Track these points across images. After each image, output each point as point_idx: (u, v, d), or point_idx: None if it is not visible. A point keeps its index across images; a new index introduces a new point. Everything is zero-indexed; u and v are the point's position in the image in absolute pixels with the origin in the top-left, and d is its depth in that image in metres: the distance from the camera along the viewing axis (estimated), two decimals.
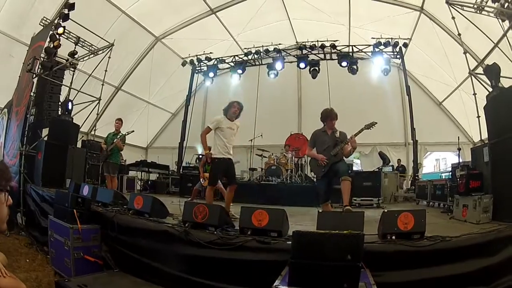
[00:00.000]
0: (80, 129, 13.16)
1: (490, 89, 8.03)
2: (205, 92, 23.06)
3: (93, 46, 13.91)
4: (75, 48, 13.41)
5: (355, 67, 16.15)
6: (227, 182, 8.32)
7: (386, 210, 5.16)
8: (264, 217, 5.10)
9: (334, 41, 16.13)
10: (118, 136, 10.84)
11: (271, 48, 17.08)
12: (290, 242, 4.12)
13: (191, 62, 18.52)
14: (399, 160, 18.66)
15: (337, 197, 7.48)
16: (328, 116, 7.34)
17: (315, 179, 8.60)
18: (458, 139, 11.80)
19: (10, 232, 9.31)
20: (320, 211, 6.36)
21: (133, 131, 11.32)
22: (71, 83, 13.50)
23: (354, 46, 16.35)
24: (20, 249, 8.03)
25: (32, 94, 11.77)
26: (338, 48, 16.27)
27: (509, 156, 6.40)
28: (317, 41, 16.30)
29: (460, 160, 11.18)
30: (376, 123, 7.07)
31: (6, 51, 13.95)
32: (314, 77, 16.88)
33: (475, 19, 9.92)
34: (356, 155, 20.57)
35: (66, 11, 11.95)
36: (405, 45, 15.43)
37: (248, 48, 17.43)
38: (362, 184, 11.94)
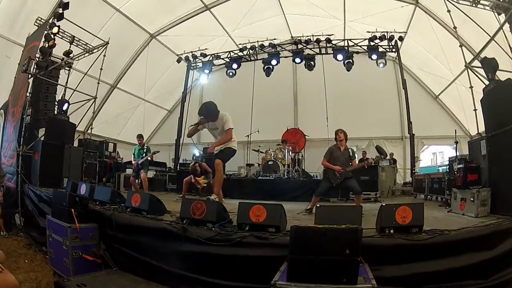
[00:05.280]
0: (77, 128, 13.11)
1: (487, 82, 8.03)
2: (201, 89, 23.07)
3: (88, 45, 13.86)
4: (70, 47, 13.34)
5: (350, 61, 16.14)
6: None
7: (384, 204, 5.14)
8: (262, 213, 5.09)
9: (330, 35, 16.09)
10: (146, 150, 12.41)
11: (266, 44, 17.10)
12: (288, 237, 4.11)
13: (186, 58, 18.48)
14: (391, 154, 18.69)
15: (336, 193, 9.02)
16: (337, 132, 8.85)
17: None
18: (455, 133, 11.79)
19: (9, 233, 9.33)
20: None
21: (158, 151, 13.04)
22: (67, 82, 13.42)
23: (350, 40, 16.33)
24: (19, 250, 8.01)
25: (28, 94, 11.73)
26: (334, 42, 16.23)
27: (507, 149, 6.41)
28: (312, 35, 16.30)
29: (457, 154, 11.19)
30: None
31: (1, 52, 13.91)
32: (310, 69, 16.87)
33: (471, 12, 9.90)
34: (353, 150, 20.63)
35: (60, 10, 11.89)
36: (401, 38, 15.43)
37: (243, 44, 17.42)
38: (360, 178, 11.93)
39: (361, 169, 9.19)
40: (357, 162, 8.88)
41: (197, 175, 10.87)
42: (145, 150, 12.35)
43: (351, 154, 8.73)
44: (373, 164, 9.84)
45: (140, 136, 12.76)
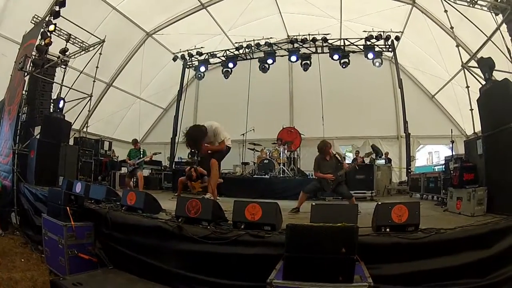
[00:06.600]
0: (72, 126, 13.08)
1: (483, 82, 8.03)
2: (197, 87, 23.04)
3: (84, 43, 13.83)
4: (66, 45, 13.31)
5: (346, 60, 16.17)
6: None
7: (380, 203, 5.14)
8: (257, 211, 5.09)
9: (326, 34, 16.11)
10: (142, 152, 12.68)
11: (262, 42, 17.07)
12: (284, 236, 4.11)
13: (182, 57, 18.46)
14: (386, 153, 18.70)
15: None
16: (323, 147, 8.83)
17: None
18: (451, 132, 11.81)
19: (5, 232, 9.31)
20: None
21: (160, 152, 13.69)
22: (63, 80, 13.42)
23: (346, 39, 16.35)
24: (15, 249, 8.00)
25: (24, 92, 11.70)
26: (330, 41, 16.25)
27: (503, 149, 6.42)
28: (309, 34, 16.31)
29: (453, 153, 11.21)
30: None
31: None
32: (305, 69, 16.90)
33: (468, 12, 9.90)
34: (348, 149, 20.76)
35: (57, 8, 11.84)
36: (397, 38, 15.41)
37: (239, 43, 17.42)
38: (355, 177, 11.96)
39: (352, 170, 9.44)
40: (347, 164, 9.04)
41: (193, 180, 10.78)
42: (141, 152, 12.50)
43: (339, 159, 8.90)
44: (363, 162, 10.52)
45: (135, 141, 13.09)
